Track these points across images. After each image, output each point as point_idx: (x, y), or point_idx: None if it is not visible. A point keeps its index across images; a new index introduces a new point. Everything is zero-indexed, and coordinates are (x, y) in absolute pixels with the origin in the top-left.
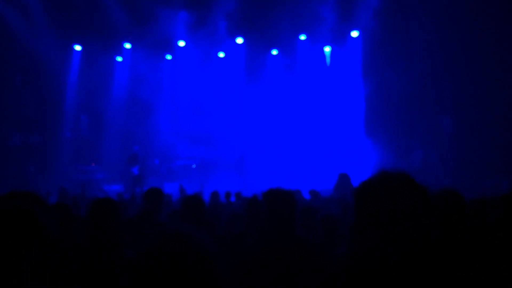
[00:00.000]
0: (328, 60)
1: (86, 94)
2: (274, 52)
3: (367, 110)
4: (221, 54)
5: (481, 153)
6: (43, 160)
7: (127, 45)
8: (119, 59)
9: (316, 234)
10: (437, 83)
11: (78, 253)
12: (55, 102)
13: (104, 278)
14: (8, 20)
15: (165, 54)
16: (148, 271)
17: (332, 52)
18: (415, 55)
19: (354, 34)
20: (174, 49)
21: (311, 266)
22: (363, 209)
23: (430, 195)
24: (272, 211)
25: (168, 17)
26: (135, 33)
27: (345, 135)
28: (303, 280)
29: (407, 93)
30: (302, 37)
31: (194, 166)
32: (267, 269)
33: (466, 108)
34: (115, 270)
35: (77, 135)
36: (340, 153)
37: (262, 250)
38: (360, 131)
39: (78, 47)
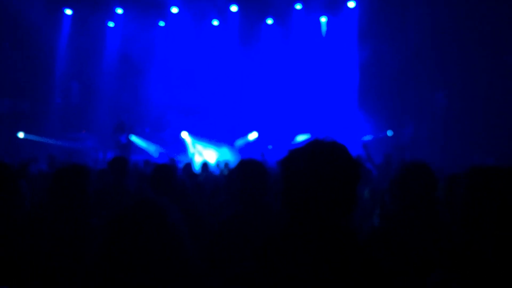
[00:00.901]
0: (323, 30)
1: (77, 60)
2: (269, 21)
3: (361, 81)
4: (215, 22)
5: (470, 129)
6: (33, 127)
7: (119, 10)
8: (110, 24)
9: None
10: (431, 58)
11: (44, 223)
12: (44, 67)
13: (70, 247)
14: None
15: (158, 21)
16: (112, 238)
17: (327, 22)
18: (411, 29)
19: (351, 4)
20: (167, 16)
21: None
22: (287, 176)
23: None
24: (242, 181)
25: None
26: None
27: (338, 105)
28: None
29: (401, 67)
30: (298, 6)
31: (270, 147)
32: (235, 237)
33: (459, 84)
34: (81, 239)
35: (68, 101)
36: (333, 123)
37: (231, 219)
38: (353, 102)
39: (68, 11)
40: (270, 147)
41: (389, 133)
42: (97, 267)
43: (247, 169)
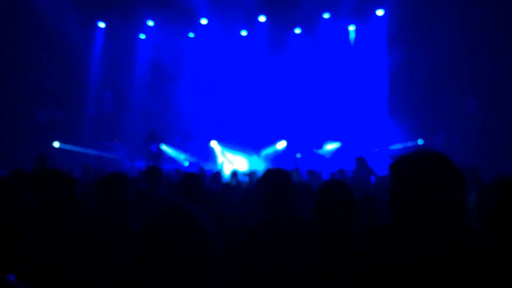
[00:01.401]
0: (352, 38)
1: (110, 71)
2: (297, 30)
3: (390, 88)
4: (244, 33)
5: (505, 137)
6: (67, 137)
7: (150, 23)
8: (142, 36)
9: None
10: (462, 64)
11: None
12: (79, 78)
13: (115, 248)
14: None
15: (188, 32)
16: (148, 243)
17: (356, 30)
18: (441, 35)
19: (379, 12)
20: (196, 27)
21: (300, 242)
22: (398, 182)
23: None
24: (267, 189)
25: None
26: (158, 10)
27: (368, 113)
28: (290, 255)
29: (432, 74)
30: (326, 15)
31: (299, 155)
32: (262, 243)
33: (491, 91)
34: (123, 243)
35: (101, 111)
36: (362, 131)
37: (258, 227)
38: (383, 109)
39: (102, 24)
40: (298, 155)
41: (420, 141)
42: (137, 268)
43: (272, 178)
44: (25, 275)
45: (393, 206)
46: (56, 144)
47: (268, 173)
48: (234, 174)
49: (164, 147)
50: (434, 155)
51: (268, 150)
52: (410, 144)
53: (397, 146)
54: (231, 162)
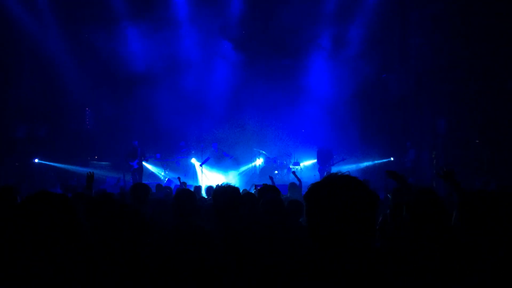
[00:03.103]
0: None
1: (90, 87)
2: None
3: (363, 109)
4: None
5: (472, 154)
6: (48, 153)
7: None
8: (123, 50)
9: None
10: (433, 87)
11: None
12: (60, 94)
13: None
14: (15, 13)
15: (170, 44)
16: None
17: (329, 50)
18: (413, 57)
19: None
20: (179, 45)
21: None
22: (312, 209)
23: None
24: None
25: None
26: (140, 24)
27: (341, 132)
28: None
29: (403, 95)
30: None
31: (276, 172)
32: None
33: (460, 110)
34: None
35: (82, 128)
36: (335, 150)
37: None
38: (355, 128)
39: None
40: (276, 172)
41: (391, 158)
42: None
43: (220, 192)
44: None
45: (310, 232)
46: (36, 160)
47: (217, 188)
48: (210, 189)
49: (145, 163)
50: (344, 179)
51: (246, 167)
52: (382, 161)
53: (369, 163)
54: (209, 178)
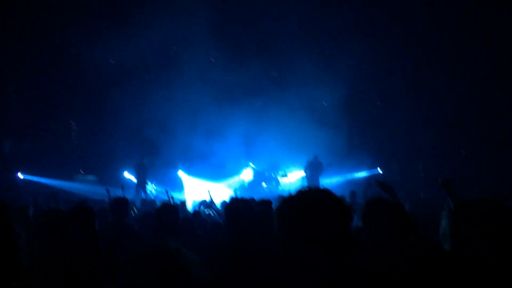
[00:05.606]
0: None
1: (76, 100)
2: None
3: (349, 120)
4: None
5: (451, 167)
6: (33, 167)
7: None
8: (111, 61)
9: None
10: (416, 105)
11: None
12: (47, 108)
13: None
14: None
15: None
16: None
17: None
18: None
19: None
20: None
21: None
22: (282, 221)
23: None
24: (229, 219)
25: None
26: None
27: (331, 145)
28: None
29: (388, 113)
30: None
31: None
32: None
33: (445, 125)
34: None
35: (68, 142)
36: (322, 160)
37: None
38: (342, 140)
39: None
40: (264, 184)
41: (379, 170)
42: None
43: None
44: None
45: (283, 243)
46: (20, 176)
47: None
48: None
49: (130, 176)
50: (316, 192)
51: (233, 179)
52: (370, 172)
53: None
54: (197, 191)
